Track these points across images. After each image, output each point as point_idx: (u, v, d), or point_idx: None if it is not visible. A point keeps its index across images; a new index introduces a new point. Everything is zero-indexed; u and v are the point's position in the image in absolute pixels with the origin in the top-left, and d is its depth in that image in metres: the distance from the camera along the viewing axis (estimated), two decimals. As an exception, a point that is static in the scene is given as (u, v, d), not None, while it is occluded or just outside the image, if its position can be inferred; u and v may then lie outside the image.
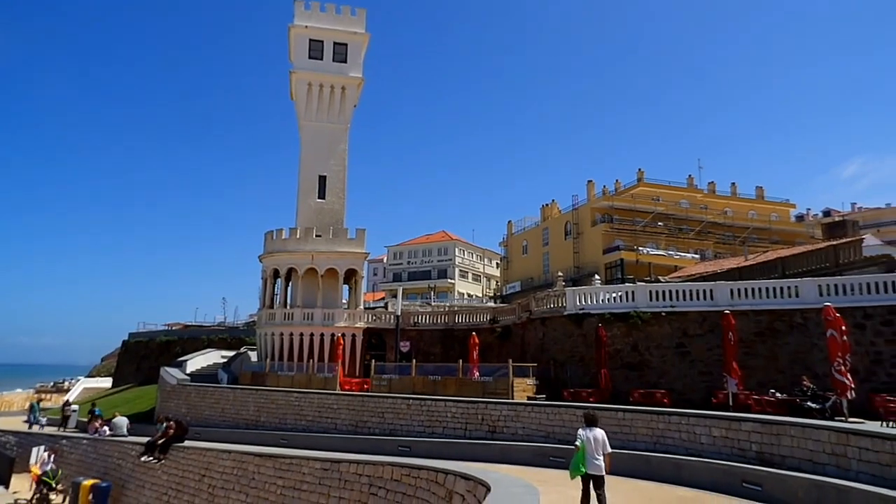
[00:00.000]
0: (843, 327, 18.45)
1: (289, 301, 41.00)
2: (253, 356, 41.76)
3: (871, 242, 36.83)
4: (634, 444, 16.06)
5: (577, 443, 9.92)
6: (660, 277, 41.47)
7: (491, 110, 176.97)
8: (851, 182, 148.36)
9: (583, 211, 58.30)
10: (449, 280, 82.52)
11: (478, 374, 27.04)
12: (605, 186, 62.78)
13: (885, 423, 15.65)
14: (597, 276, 42.30)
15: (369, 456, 15.99)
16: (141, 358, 58.50)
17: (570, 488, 12.90)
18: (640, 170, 62.44)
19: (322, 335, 37.77)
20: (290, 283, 41.61)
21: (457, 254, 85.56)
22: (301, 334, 37.86)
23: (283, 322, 38.47)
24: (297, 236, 40.15)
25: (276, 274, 40.48)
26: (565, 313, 27.45)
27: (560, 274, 42.60)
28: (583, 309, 27.14)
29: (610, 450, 10.12)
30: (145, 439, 24.44)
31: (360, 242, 40.86)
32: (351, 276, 41.42)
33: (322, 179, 42.36)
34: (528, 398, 24.05)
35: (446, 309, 45.02)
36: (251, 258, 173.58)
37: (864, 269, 27.34)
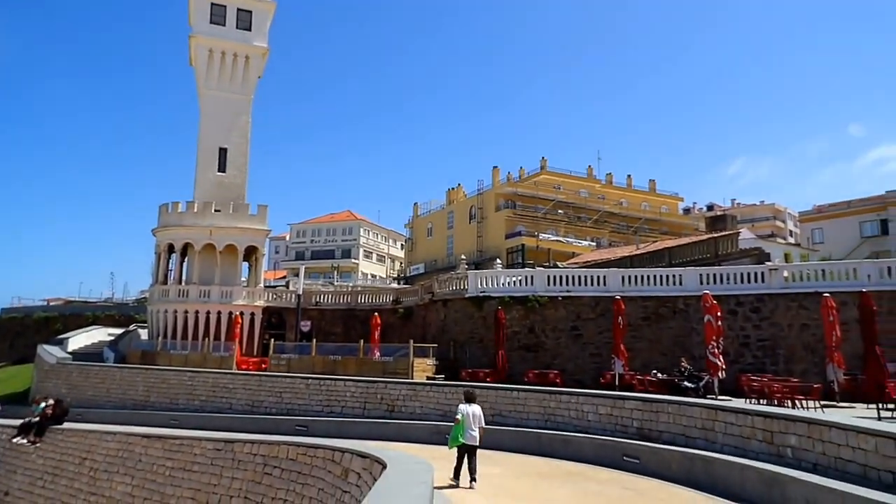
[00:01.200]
0: (719, 313, 19.98)
1: (184, 277, 39.31)
2: (143, 334, 39.84)
3: (746, 236, 39.91)
4: (527, 422, 16.76)
5: (458, 417, 10.91)
6: (558, 263, 43.12)
7: (401, 92, 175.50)
8: (734, 180, 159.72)
9: (487, 196, 59.39)
10: (353, 260, 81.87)
11: (379, 354, 27.15)
12: (509, 173, 64.24)
13: (748, 400, 17.22)
14: (498, 261, 43.35)
15: (265, 436, 15.75)
16: (15, 335, 54.36)
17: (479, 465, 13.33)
18: (543, 158, 64.31)
19: (219, 313, 36.56)
20: (185, 259, 39.88)
21: (362, 234, 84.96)
22: (197, 312, 36.48)
23: (178, 299, 36.90)
24: (195, 210, 38.49)
25: (170, 249, 38.69)
26: (467, 296, 28.02)
27: (463, 257, 43.31)
28: (484, 292, 27.80)
29: (484, 424, 11.22)
30: (19, 421, 22.83)
31: (261, 219, 39.74)
32: (251, 253, 40.25)
33: (223, 152, 40.71)
34: (428, 378, 24.46)
35: (349, 289, 44.76)
36: (144, 231, 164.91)
37: (739, 260, 29.67)
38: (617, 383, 20.99)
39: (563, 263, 45.08)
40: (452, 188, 67.49)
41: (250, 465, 13.05)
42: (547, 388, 18.50)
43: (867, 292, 18.80)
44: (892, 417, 13.86)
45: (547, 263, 44.86)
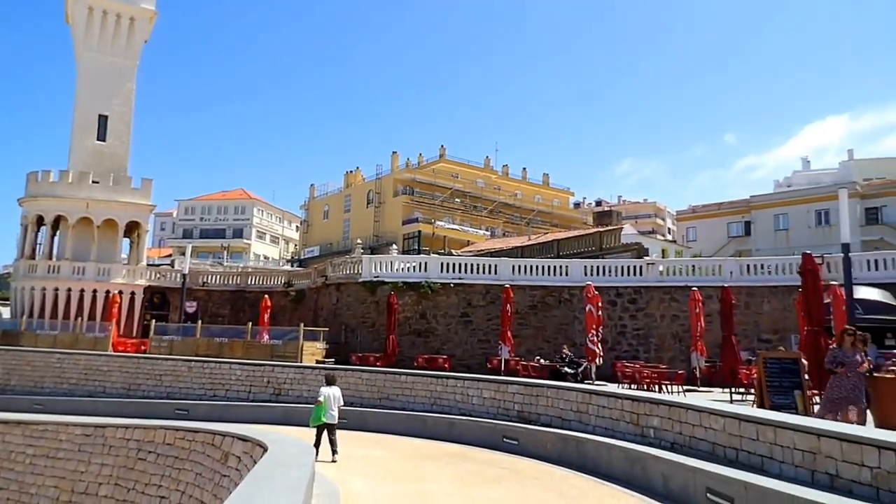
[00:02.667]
0: (599, 303, 21.20)
1: (55, 252, 36.52)
2: (5, 312, 36.68)
3: (628, 231, 42.32)
4: (414, 406, 17.05)
5: (320, 398, 11.80)
6: (452, 251, 43.84)
7: (300, 71, 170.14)
8: (622, 178, 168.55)
9: (386, 181, 59.25)
10: (245, 240, 79.18)
11: (267, 337, 26.60)
12: (408, 159, 64.36)
13: (620, 385, 18.40)
14: (395, 246, 43.50)
15: (140, 420, 15.06)
16: None
17: (349, 447, 13.40)
18: (442, 146, 64.92)
19: (95, 292, 34.32)
20: (57, 233, 37.03)
21: (255, 214, 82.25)
22: (69, 290, 34.04)
23: (48, 275, 34.26)
24: (70, 180, 35.77)
25: (40, 221, 35.79)
26: (360, 280, 27.95)
27: (359, 241, 43.09)
28: (378, 277, 27.85)
29: (342, 403, 12.27)
30: None
31: (145, 193, 37.57)
32: (133, 229, 37.97)
33: (103, 119, 38.01)
34: (317, 362, 24.24)
35: (239, 270, 43.32)
36: (9, 201, 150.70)
37: (621, 254, 31.45)
38: (503, 368, 21.76)
39: (458, 251, 45.92)
40: (351, 171, 66.78)
41: (123, 451, 12.48)
42: (435, 372, 18.87)
43: (728, 287, 20.56)
44: (742, 400, 15.28)
45: (442, 251, 45.51)
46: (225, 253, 66.88)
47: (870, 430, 7.20)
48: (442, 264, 28.16)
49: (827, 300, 16.86)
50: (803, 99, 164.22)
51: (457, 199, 59.53)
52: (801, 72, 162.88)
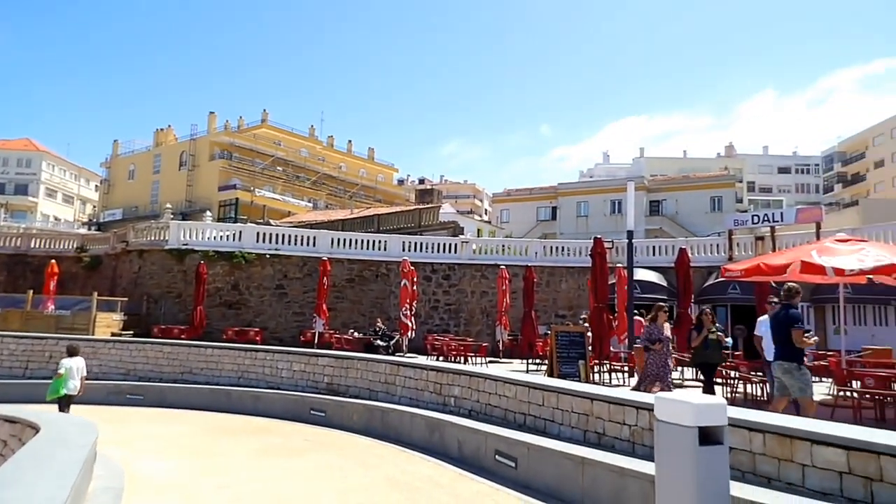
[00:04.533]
0: (415, 278, 21.76)
1: None
2: None
3: (447, 210, 43.93)
4: (219, 380, 16.34)
5: (61, 371, 11.69)
6: (271, 221, 42.33)
7: (108, 9, 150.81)
8: (448, 159, 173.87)
9: (201, 143, 55.47)
10: (31, 198, 69.94)
11: (53, 307, 23.82)
12: (227, 121, 60.73)
13: (429, 357, 19.15)
14: (209, 213, 41.04)
15: None
16: None
17: (143, 425, 12.54)
18: (264, 111, 62.17)
19: None
20: None
21: (45, 168, 72.83)
22: None
23: None
24: None
25: None
26: (167, 247, 26.04)
27: (169, 206, 40.00)
28: (186, 244, 26.13)
29: (85, 374, 12.23)
30: None
31: None
32: None
33: None
34: (112, 334, 22.24)
35: (20, 231, 38.18)
36: None
37: (438, 231, 32.51)
38: (316, 341, 21.60)
39: (278, 221, 44.42)
40: (162, 129, 61.52)
41: None
42: (243, 345, 18.22)
43: (532, 266, 22.16)
44: (537, 370, 16.63)
45: (261, 220, 43.75)
46: (1, 211, 58.49)
47: (630, 394, 8.22)
48: (258, 234, 27.11)
49: (613, 280, 18.88)
50: (607, 98, 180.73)
51: (279, 168, 57.44)
52: (608, 73, 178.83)
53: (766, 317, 10.26)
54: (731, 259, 24.32)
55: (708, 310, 11.40)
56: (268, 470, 8.59)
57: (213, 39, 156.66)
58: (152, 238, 26.99)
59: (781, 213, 26.27)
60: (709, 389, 11.09)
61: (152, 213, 51.06)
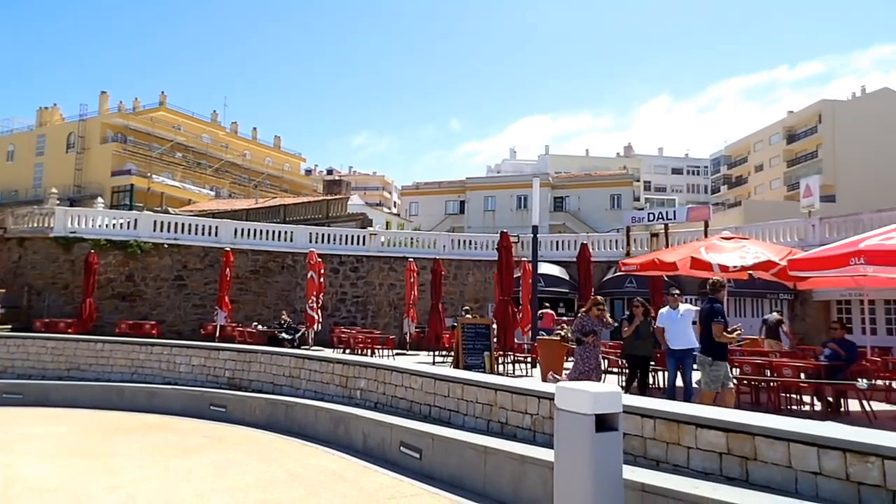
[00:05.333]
0: (322, 270, 21.44)
1: None
2: None
3: (356, 202, 43.43)
4: (110, 376, 15.46)
5: None
6: (170, 209, 40.33)
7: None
8: (358, 150, 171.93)
9: (92, 124, 51.93)
10: None
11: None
12: (121, 102, 57.21)
13: (335, 350, 18.94)
14: (101, 199, 38.61)
15: None
16: None
17: (24, 426, 11.66)
18: (162, 93, 59.09)
19: None
20: None
21: None
22: None
23: None
24: None
25: None
26: (52, 235, 24.24)
27: (55, 190, 37.06)
28: (75, 232, 24.44)
29: None
30: None
31: None
32: None
33: None
34: (-12, 329, 20.50)
35: None
36: None
37: (346, 223, 32.14)
38: (218, 335, 20.84)
39: (177, 210, 42.34)
40: (47, 108, 57.14)
41: None
42: (137, 339, 17.31)
43: (440, 259, 22.35)
44: (443, 362, 16.81)
45: (159, 208, 41.56)
46: None
47: (533, 384, 8.48)
48: (155, 222, 25.75)
49: (518, 274, 19.37)
50: (516, 97, 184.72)
51: (178, 154, 54.72)
52: (517, 72, 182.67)
53: (666, 309, 10.48)
54: (628, 254, 25.53)
55: (640, 300, 10.83)
56: (163, 469, 8.22)
57: (103, 14, 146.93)
58: (35, 225, 25.05)
59: (674, 212, 27.83)
60: (642, 382, 10.66)
61: (35, 197, 47.27)
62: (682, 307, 10.36)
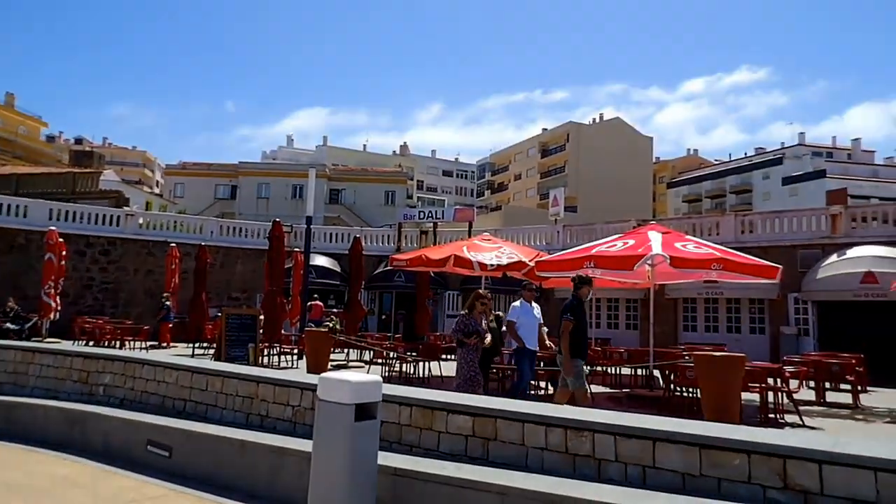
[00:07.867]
0: (64, 252, 18.94)
1: None
2: None
3: (110, 178, 39.01)
4: None
5: None
6: None
7: None
8: (116, 122, 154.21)
9: None
10: None
11: None
12: None
13: (77, 342, 16.90)
14: None
15: None
16: None
17: None
18: None
19: None
20: None
21: None
22: None
23: None
24: None
25: None
26: None
27: None
28: None
29: None
30: None
31: None
32: None
33: None
34: None
35: None
36: None
37: (98, 200, 28.73)
38: (-84, 324, 17.30)
39: None
40: None
41: None
42: None
43: (206, 246, 21.09)
44: (204, 354, 15.87)
45: None
46: None
47: (297, 375, 8.42)
48: None
49: (289, 265, 19.01)
50: (295, 87, 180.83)
51: None
52: (295, 62, 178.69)
53: (520, 302, 9.74)
54: (399, 250, 26.44)
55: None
56: None
57: None
58: None
59: (443, 212, 29.49)
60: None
61: None
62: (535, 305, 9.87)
